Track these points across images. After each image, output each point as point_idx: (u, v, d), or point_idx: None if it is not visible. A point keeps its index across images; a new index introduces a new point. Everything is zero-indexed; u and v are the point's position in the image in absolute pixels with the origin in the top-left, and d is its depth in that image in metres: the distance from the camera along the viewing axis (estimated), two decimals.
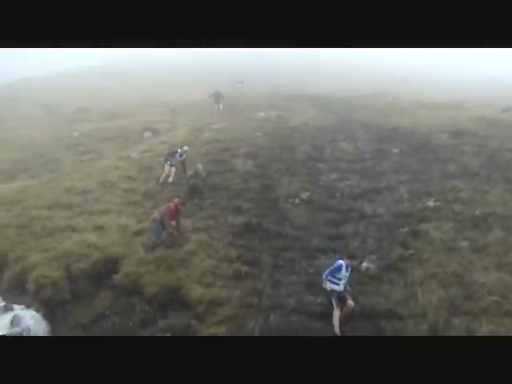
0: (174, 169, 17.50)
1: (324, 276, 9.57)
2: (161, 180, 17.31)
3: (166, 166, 17.48)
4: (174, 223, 13.06)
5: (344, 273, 9.39)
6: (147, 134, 24.97)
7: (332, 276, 9.46)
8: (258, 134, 22.21)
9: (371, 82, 45.77)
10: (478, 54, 65.50)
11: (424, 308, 9.72)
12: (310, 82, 44.25)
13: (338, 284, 9.45)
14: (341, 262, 9.44)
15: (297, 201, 15.29)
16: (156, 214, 13.06)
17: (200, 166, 16.53)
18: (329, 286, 9.55)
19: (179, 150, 17.84)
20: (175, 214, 13.13)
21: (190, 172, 16.70)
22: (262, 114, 27.28)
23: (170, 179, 17.31)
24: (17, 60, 61.12)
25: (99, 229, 13.92)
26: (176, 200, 13.36)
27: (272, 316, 10.02)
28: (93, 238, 13.35)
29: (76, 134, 25.75)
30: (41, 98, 39.32)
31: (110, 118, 30.45)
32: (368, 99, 32.39)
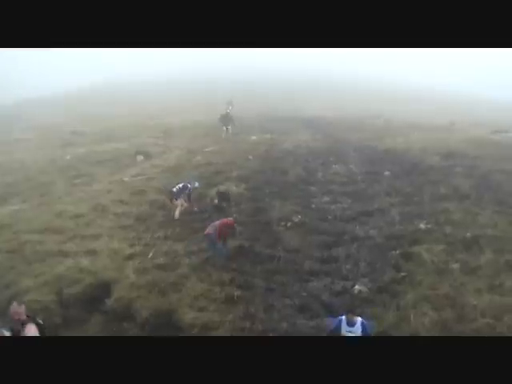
0: (183, 202, 16.60)
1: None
2: (177, 216, 16.28)
3: (177, 201, 16.41)
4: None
5: (345, 328, 8.10)
6: (140, 158, 24.96)
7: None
8: (250, 157, 22.31)
9: (365, 101, 46.18)
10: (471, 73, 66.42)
11: (416, 330, 9.69)
12: (304, 101, 44.55)
13: None
14: (341, 317, 8.23)
15: (289, 224, 15.29)
16: (209, 229, 13.15)
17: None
18: None
19: (189, 186, 16.93)
20: (231, 230, 13.47)
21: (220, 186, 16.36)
22: (255, 138, 27.43)
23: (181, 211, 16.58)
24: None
25: (91, 253, 13.82)
26: (232, 218, 13.83)
27: None
28: (84, 262, 13.25)
29: (68, 157, 25.74)
30: (35, 120, 39.31)
31: (103, 140, 30.45)
32: (360, 121, 32.63)
